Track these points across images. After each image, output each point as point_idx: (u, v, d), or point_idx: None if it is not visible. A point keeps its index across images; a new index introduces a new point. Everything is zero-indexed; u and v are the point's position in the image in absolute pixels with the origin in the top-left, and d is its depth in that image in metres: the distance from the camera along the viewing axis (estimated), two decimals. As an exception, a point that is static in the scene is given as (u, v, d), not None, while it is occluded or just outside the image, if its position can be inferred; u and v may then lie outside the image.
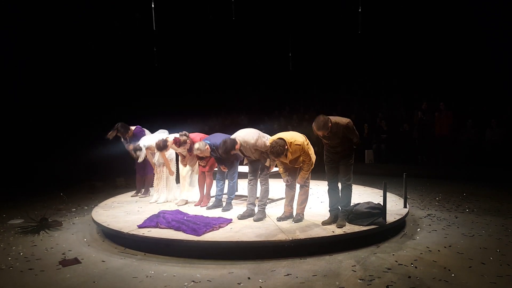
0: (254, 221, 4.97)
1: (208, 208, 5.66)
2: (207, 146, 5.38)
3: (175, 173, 6.35)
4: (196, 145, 5.39)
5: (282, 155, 4.53)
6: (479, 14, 10.55)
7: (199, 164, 5.97)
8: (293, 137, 4.68)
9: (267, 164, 5.19)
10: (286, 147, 4.53)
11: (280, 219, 4.98)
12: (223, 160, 5.52)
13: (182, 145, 5.81)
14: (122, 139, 6.88)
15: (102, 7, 9.80)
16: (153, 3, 6.89)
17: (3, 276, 3.92)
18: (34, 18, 9.46)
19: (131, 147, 6.58)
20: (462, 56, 11.48)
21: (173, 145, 5.87)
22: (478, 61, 11.20)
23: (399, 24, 11.64)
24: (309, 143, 4.83)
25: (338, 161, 4.74)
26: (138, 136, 6.69)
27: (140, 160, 6.53)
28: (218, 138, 5.44)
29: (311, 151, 4.80)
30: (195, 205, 5.96)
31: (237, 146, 4.96)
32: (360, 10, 7.54)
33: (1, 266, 4.17)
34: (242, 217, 5.15)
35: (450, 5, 10.89)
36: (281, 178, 5.07)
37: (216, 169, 5.86)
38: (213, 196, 6.26)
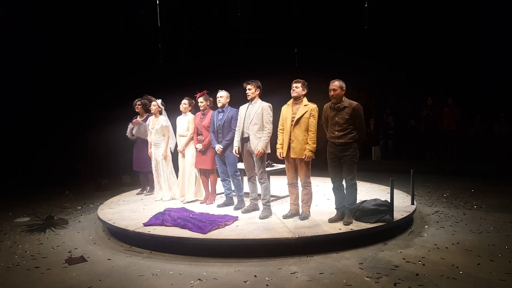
0: (260, 218, 4.95)
1: (219, 206, 5.63)
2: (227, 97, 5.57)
3: (169, 157, 6.33)
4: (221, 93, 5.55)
5: (301, 82, 4.80)
6: (488, 8, 10.41)
7: (200, 163, 5.89)
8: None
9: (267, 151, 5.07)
10: (305, 90, 4.84)
11: (286, 216, 4.96)
12: (222, 133, 5.47)
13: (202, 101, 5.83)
14: (133, 121, 6.81)
15: (106, 3, 9.79)
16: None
17: (10, 274, 3.94)
18: (34, 13, 9.45)
19: (138, 121, 6.62)
20: (470, 51, 11.34)
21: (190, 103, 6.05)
22: (486, 56, 11.05)
23: (407, 19, 11.51)
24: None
25: (340, 157, 4.64)
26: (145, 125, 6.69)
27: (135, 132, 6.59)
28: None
29: (315, 134, 4.78)
30: (200, 203, 5.94)
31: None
32: (366, 5, 7.46)
33: (8, 265, 4.19)
34: (246, 211, 5.20)
35: (457, 0, 10.76)
36: (285, 175, 5.03)
37: (217, 169, 5.81)
38: (219, 194, 6.25)
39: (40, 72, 10.35)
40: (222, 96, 5.52)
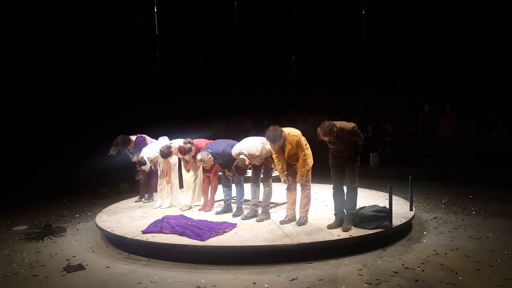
0: (257, 221, 5.02)
1: (217, 213, 5.63)
2: (210, 156, 5.34)
3: (176, 179, 6.36)
4: (199, 156, 5.33)
5: (278, 140, 4.58)
6: (483, 14, 10.51)
7: (203, 169, 5.95)
8: (291, 129, 4.79)
9: (272, 166, 5.17)
10: (282, 134, 4.60)
11: (283, 222, 4.97)
12: (227, 166, 5.49)
13: (187, 153, 5.80)
14: (125, 151, 6.86)
15: (105, 12, 9.85)
16: (155, 7, 6.93)
17: (8, 282, 3.92)
18: (37, 24, 9.51)
19: (135, 159, 6.58)
20: (466, 57, 11.43)
21: (178, 153, 5.88)
22: (483, 62, 11.14)
23: (403, 26, 11.61)
24: (307, 143, 4.89)
25: (344, 165, 4.73)
26: (140, 146, 6.68)
27: (146, 170, 6.51)
28: (220, 144, 5.44)
29: (309, 151, 4.88)
30: (199, 210, 5.94)
31: (247, 163, 4.96)
32: (363, 12, 7.53)
33: (6, 273, 4.16)
34: (245, 217, 5.24)
35: (454, 6, 10.86)
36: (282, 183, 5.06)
37: (220, 173, 5.83)
38: (217, 201, 6.24)
39: (38, 81, 10.38)
40: (203, 161, 5.35)
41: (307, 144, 4.92)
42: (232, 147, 5.26)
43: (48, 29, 9.64)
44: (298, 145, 4.72)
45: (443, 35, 11.48)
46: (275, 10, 10.92)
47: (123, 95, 10.53)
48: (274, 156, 4.90)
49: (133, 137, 6.83)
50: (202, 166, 5.88)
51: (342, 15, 10.95)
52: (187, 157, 5.93)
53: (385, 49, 12.17)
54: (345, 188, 4.81)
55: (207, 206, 5.94)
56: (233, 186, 5.77)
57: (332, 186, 4.90)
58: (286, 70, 9.90)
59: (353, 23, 9.17)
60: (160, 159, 6.20)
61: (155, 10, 6.91)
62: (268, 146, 5.00)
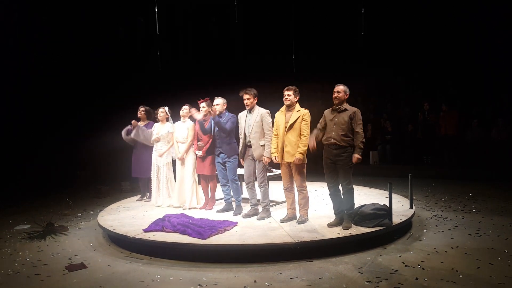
0: (258, 220, 5.08)
1: (219, 212, 5.66)
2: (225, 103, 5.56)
3: (170, 164, 6.34)
4: (218, 100, 5.53)
5: (297, 94, 4.87)
6: (483, 12, 10.51)
7: (197, 161, 5.91)
8: None
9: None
10: (297, 96, 4.89)
11: (283, 220, 5.01)
12: (223, 137, 5.49)
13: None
14: (132, 122, 6.71)
15: (105, 12, 9.86)
16: (156, 7, 6.95)
17: (10, 281, 3.94)
18: (35, 18, 9.50)
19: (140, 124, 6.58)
20: (466, 55, 11.43)
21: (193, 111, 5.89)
22: (483, 60, 11.14)
23: (403, 24, 11.61)
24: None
25: (335, 161, 4.66)
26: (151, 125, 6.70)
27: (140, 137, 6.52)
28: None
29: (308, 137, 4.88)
30: (200, 208, 5.95)
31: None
32: (363, 11, 7.54)
33: (8, 272, 4.19)
34: (246, 216, 5.28)
35: (454, 4, 10.85)
36: (279, 181, 5.09)
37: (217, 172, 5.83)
38: (218, 199, 6.26)
39: (39, 78, 10.39)
40: (219, 103, 5.56)
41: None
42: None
43: (47, 24, 9.64)
44: (304, 118, 4.79)
45: (443, 33, 11.48)
46: (274, 9, 10.91)
47: (123, 93, 10.53)
48: (274, 133, 4.98)
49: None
50: (197, 165, 5.89)
51: (342, 14, 10.95)
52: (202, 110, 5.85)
53: (385, 48, 12.17)
54: (341, 188, 4.81)
55: (208, 205, 5.96)
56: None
57: (327, 187, 4.90)
58: (285, 69, 9.91)
59: (352, 22, 9.17)
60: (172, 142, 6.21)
61: (156, 10, 6.93)
62: (269, 122, 5.13)
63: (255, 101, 5.25)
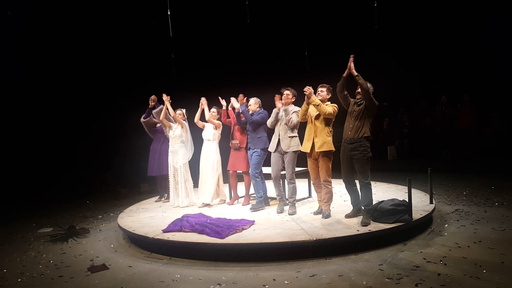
0: (289, 214, 5.28)
1: (252, 210, 5.74)
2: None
3: (187, 164, 6.44)
4: (252, 100, 5.86)
5: (327, 87, 5.05)
6: (502, 6, 10.23)
7: (231, 157, 6.10)
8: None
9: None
10: (330, 94, 5.06)
11: (316, 213, 5.24)
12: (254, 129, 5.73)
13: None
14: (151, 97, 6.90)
15: (119, 15, 9.96)
16: (169, 10, 7.00)
17: (35, 283, 4.03)
18: (51, 20, 9.65)
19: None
20: (483, 47, 11.16)
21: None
22: (501, 52, 10.86)
23: (418, 17, 11.40)
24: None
25: (352, 155, 4.72)
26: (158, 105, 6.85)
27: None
28: None
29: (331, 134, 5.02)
30: (228, 204, 6.17)
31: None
32: (375, 4, 7.43)
33: (33, 274, 4.29)
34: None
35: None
36: (301, 178, 5.15)
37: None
38: (241, 196, 6.31)
39: (59, 86, 10.59)
40: (250, 104, 5.86)
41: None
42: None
43: (65, 26, 9.79)
44: (329, 113, 4.85)
45: (459, 26, 11.23)
46: (286, 6, 10.86)
47: (138, 97, 10.66)
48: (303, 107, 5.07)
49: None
50: (230, 161, 6.09)
51: (354, 8, 10.81)
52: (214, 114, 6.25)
53: (400, 40, 11.97)
54: (357, 182, 4.81)
55: (244, 200, 6.13)
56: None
57: (343, 182, 5.00)
58: (300, 66, 9.86)
59: (365, 16, 9.05)
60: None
61: (169, 13, 6.98)
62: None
63: (293, 100, 5.44)
